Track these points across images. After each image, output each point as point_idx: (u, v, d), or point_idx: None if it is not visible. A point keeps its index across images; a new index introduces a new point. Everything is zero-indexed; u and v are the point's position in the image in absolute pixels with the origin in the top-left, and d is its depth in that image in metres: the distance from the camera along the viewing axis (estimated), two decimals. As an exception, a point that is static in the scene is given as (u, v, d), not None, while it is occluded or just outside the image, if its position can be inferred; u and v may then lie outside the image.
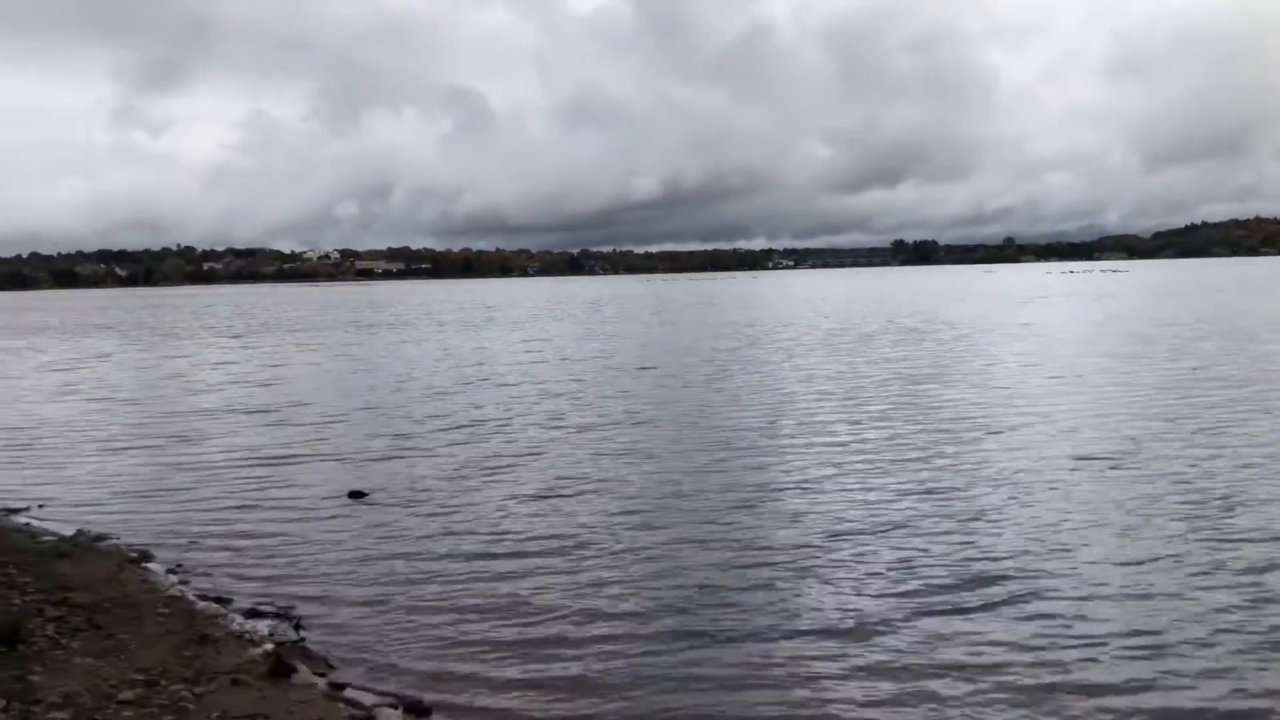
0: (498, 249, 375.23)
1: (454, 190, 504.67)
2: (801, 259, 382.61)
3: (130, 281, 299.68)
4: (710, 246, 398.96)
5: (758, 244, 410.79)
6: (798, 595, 9.06)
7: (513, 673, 7.59)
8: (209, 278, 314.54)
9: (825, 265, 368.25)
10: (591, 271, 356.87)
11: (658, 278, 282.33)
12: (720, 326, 49.85)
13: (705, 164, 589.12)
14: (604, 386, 25.09)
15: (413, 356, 36.33)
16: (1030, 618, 8.35)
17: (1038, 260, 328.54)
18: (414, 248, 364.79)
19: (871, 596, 8.97)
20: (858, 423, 18.35)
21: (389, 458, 16.13)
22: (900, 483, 13.29)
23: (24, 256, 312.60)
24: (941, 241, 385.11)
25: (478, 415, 20.49)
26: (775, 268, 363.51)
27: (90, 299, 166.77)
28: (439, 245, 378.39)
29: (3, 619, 7.64)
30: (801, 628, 8.29)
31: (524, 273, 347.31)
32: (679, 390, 23.95)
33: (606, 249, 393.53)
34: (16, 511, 12.84)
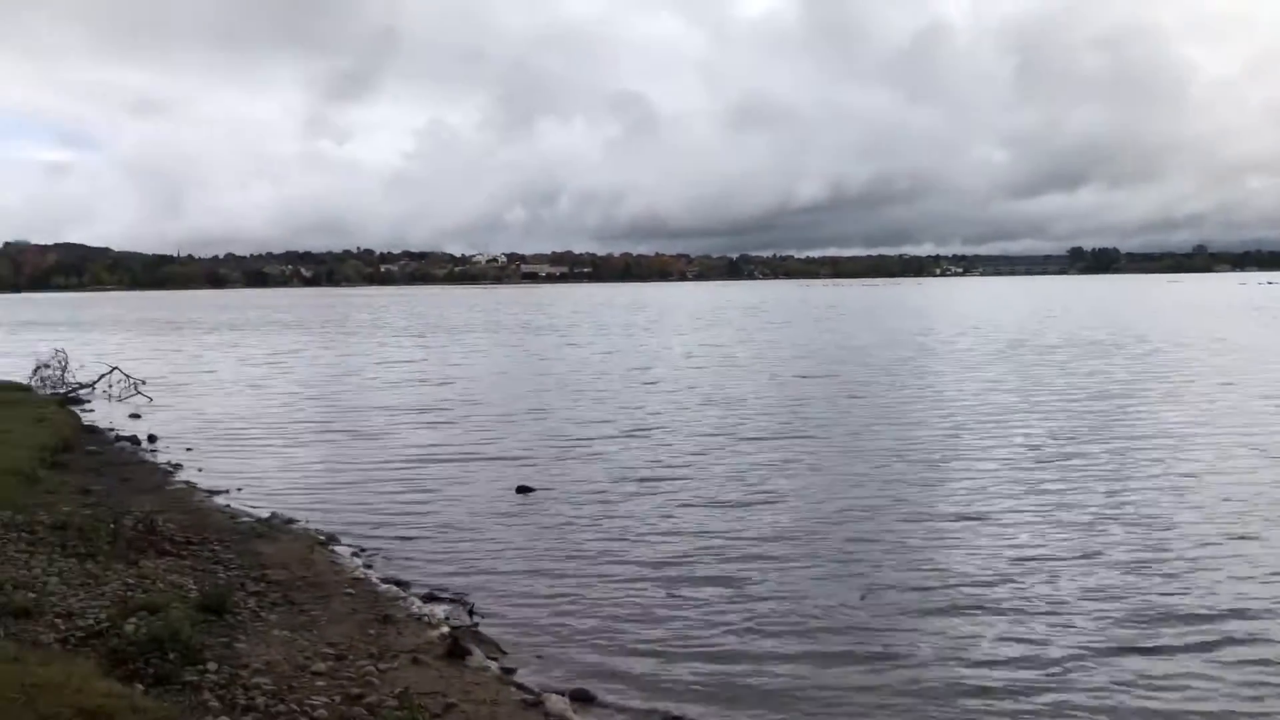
0: (657, 253, 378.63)
1: (617, 194, 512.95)
2: (971, 266, 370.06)
3: (314, 282, 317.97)
4: (874, 252, 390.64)
5: (925, 250, 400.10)
6: (974, 623, 8.60)
7: (671, 672, 7.69)
8: (385, 279, 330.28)
9: (996, 273, 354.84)
10: (751, 276, 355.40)
11: (818, 283, 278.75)
12: (888, 334, 48.82)
13: (873, 167, 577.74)
14: (768, 394, 24.92)
15: (577, 359, 37.13)
16: (1245, 662, 7.63)
17: (1232, 270, 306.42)
18: (576, 251, 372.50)
19: (1058, 628, 8.41)
20: (1041, 440, 17.42)
21: (555, 456, 16.58)
22: (1088, 506, 12.49)
23: (220, 257, 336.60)
24: (1124, 249, 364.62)
25: (642, 419, 20.74)
26: (943, 274, 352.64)
27: (278, 298, 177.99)
28: (600, 249, 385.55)
29: (213, 591, 8.32)
30: (979, 657, 7.87)
31: (682, 277, 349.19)
32: (846, 400, 23.54)
33: (766, 254, 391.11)
34: (218, 494, 13.88)
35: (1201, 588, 9.32)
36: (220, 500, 13.42)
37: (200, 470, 15.57)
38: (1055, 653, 7.90)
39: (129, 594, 8.32)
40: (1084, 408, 21.28)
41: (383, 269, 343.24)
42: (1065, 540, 11.01)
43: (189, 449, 17.56)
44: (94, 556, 9.41)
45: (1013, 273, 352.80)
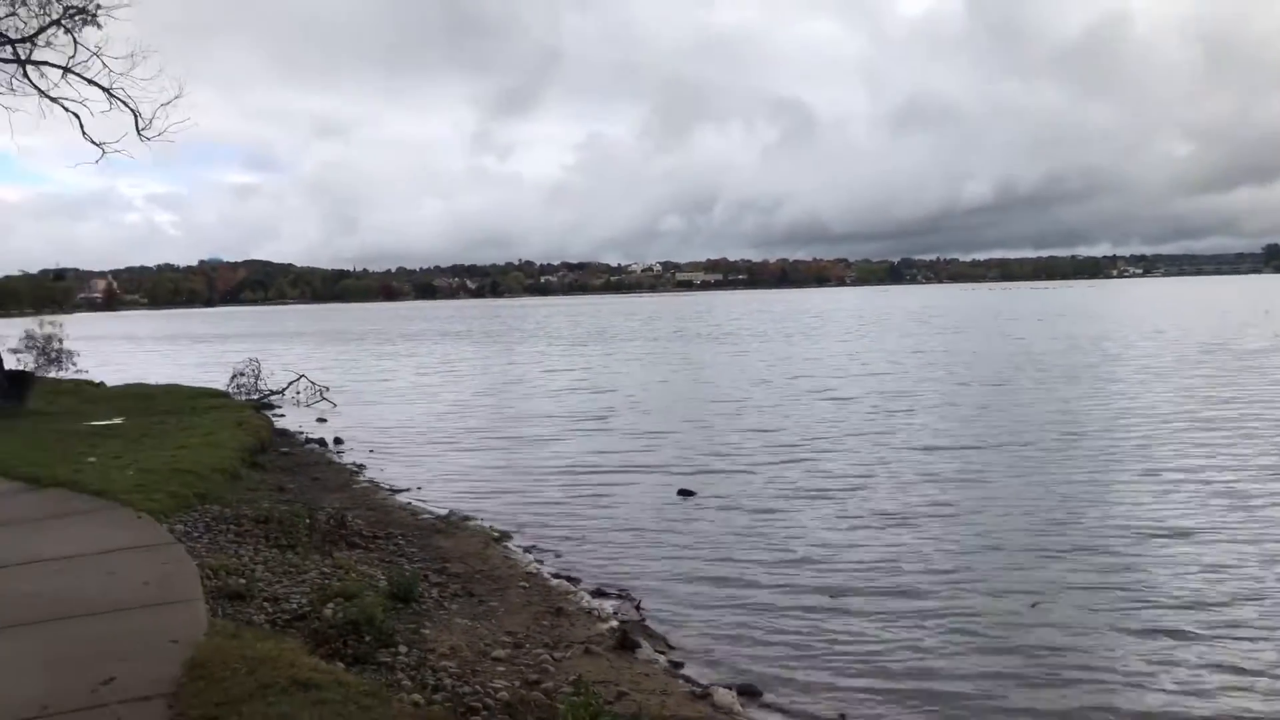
0: (814, 258, 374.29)
1: (774, 201, 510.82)
2: (1151, 266, 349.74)
3: (479, 293, 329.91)
4: (1045, 254, 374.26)
5: (1100, 250, 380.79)
6: (1172, 645, 8.12)
7: (835, 675, 7.73)
8: (544, 290, 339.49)
9: (1180, 273, 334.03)
10: (913, 280, 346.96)
11: (984, 286, 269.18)
12: (1066, 338, 46.71)
13: (1043, 166, 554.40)
14: (941, 403, 23.99)
15: (739, 366, 37.21)
16: None
17: None
18: (731, 258, 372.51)
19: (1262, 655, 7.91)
20: (1243, 453, 16.01)
21: (717, 462, 16.76)
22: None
23: (392, 271, 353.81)
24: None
25: (806, 426, 20.63)
26: (1120, 275, 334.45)
27: (446, 309, 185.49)
28: (756, 256, 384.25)
29: (400, 581, 8.91)
30: (1175, 684, 7.44)
31: (841, 282, 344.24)
32: (1023, 408, 22.50)
33: (929, 257, 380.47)
34: (399, 492, 14.75)
35: None
36: (401, 498, 14.25)
37: (382, 471, 16.56)
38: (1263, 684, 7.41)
39: (326, 582, 9.00)
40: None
41: (542, 280, 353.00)
42: (1270, 560, 10.34)
43: (371, 451, 18.68)
44: (293, 548, 10.21)
45: (1199, 273, 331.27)
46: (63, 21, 17.54)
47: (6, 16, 17.65)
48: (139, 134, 19.13)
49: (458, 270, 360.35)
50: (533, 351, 50.13)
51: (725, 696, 7.09)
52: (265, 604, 8.30)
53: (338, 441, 19.79)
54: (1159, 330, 50.48)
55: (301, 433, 20.95)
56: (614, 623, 8.63)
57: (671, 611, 9.19)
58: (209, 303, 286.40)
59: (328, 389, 28.42)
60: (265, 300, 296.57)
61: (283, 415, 24.27)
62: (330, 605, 8.14)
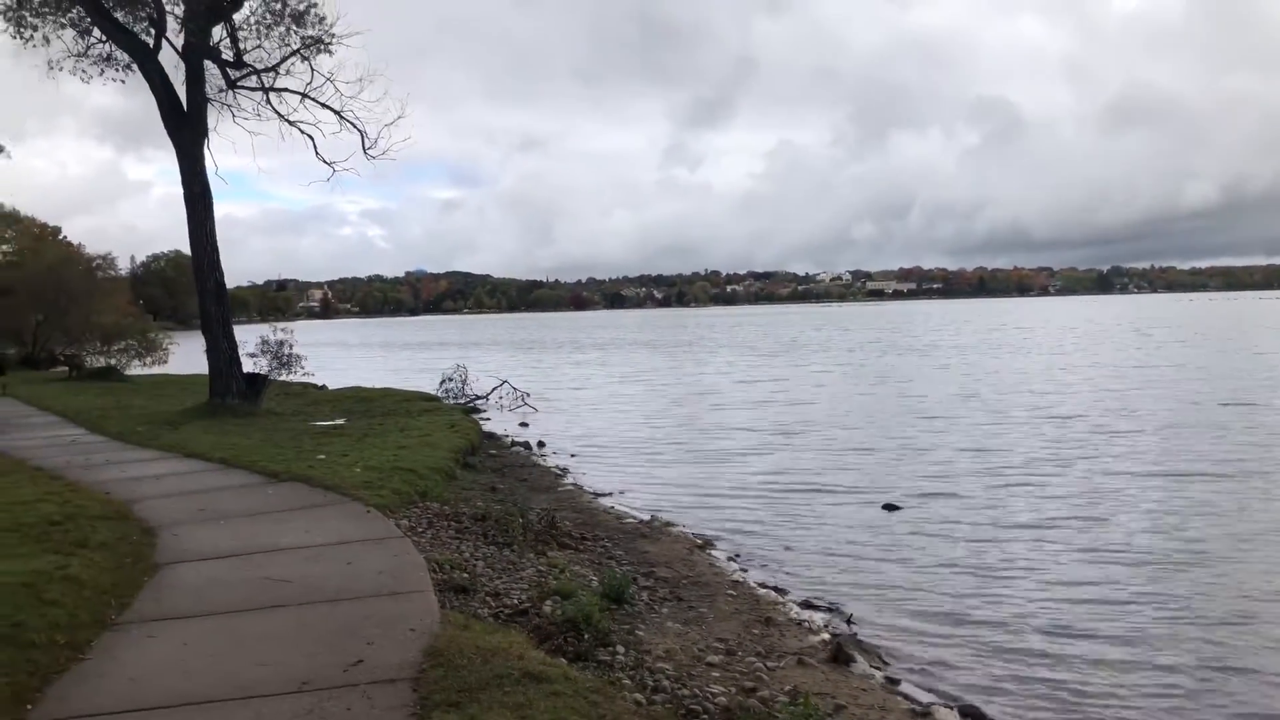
0: (1015, 266, 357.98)
1: (973, 206, 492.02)
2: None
3: (665, 303, 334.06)
4: (1277, 260, 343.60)
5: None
6: None
7: (1058, 702, 7.36)
8: (730, 299, 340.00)
9: None
10: (1123, 290, 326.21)
11: (1203, 296, 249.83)
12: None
13: (1277, 164, 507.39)
14: (1178, 424, 21.69)
15: (942, 379, 36.02)
16: None
17: None
18: (925, 267, 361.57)
19: None
20: None
21: (924, 479, 16.19)
22: None
23: (583, 281, 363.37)
24: None
25: (1020, 444, 19.56)
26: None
27: (634, 318, 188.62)
28: (952, 264, 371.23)
29: (614, 581, 9.12)
30: None
31: (1044, 291, 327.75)
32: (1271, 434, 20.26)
33: (1142, 265, 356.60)
34: (602, 496, 15.10)
35: None
36: (605, 502, 14.59)
37: (585, 475, 17.01)
38: None
39: (542, 579, 9.32)
40: None
41: (728, 289, 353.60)
42: None
43: (573, 455, 19.23)
44: (509, 545, 10.64)
45: None
46: (301, 51, 19.04)
47: (253, 49, 19.32)
48: (365, 153, 20.52)
49: (645, 280, 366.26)
50: (723, 362, 50.21)
51: (947, 716, 6.87)
52: (488, 598, 8.68)
53: (540, 445, 20.46)
54: None
55: (507, 436, 21.80)
56: (825, 635, 8.53)
57: (884, 627, 8.98)
58: (413, 311, 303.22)
59: (528, 395, 29.48)
60: (464, 309, 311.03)
61: (488, 419, 25.32)
62: (549, 602, 8.44)
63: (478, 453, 18.32)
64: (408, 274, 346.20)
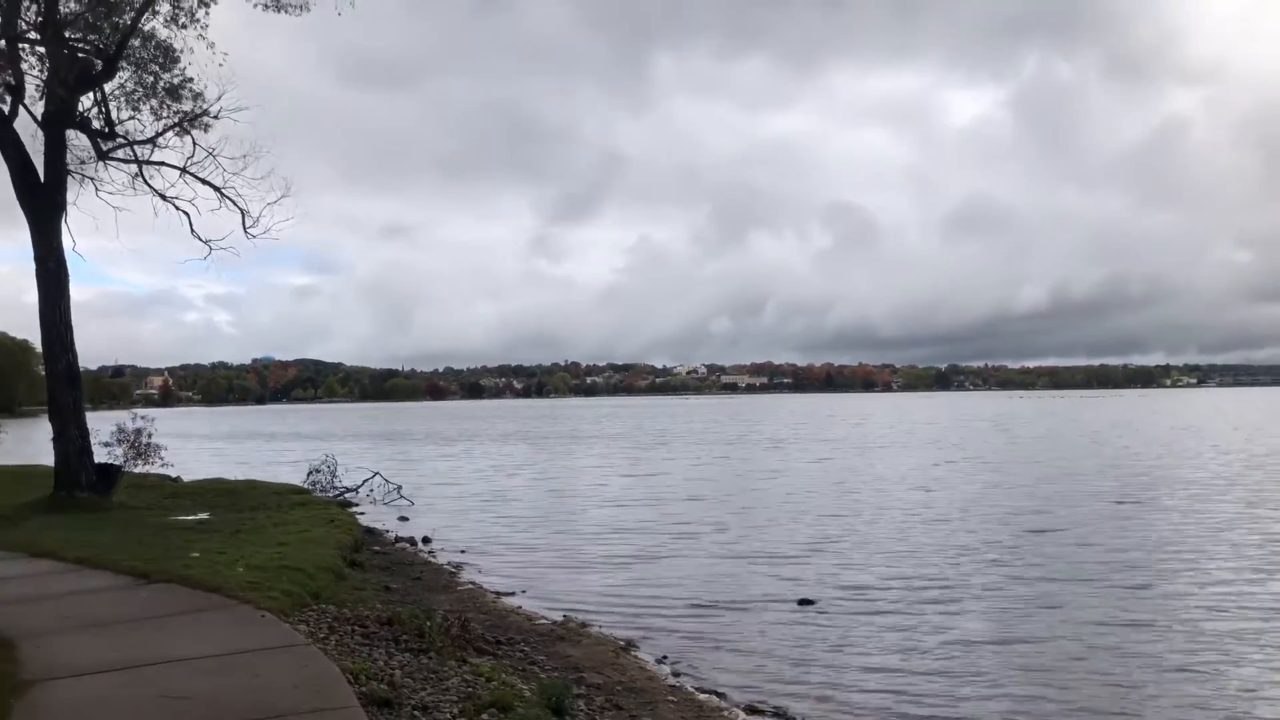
0: (860, 363, 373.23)
1: (824, 305, 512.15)
2: (1206, 376, 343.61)
3: (524, 393, 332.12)
4: (1098, 361, 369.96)
5: (1155, 359, 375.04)
6: None
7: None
8: (590, 390, 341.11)
9: (1236, 383, 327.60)
10: (961, 387, 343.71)
11: (1033, 394, 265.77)
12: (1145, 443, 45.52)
13: (1100, 272, 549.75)
14: (1071, 517, 21.88)
15: (817, 473, 36.40)
16: None
17: None
18: (777, 362, 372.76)
19: None
20: None
21: (828, 570, 16.14)
22: None
23: (440, 370, 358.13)
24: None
25: (903, 534, 19.97)
26: (1174, 385, 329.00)
27: (494, 409, 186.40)
28: (802, 360, 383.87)
29: (551, 690, 8.46)
30: None
31: (888, 388, 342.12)
32: (1111, 507, 21.75)
33: (978, 364, 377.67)
34: (505, 595, 14.32)
35: None
36: (511, 602, 13.81)
37: (480, 572, 16.17)
38: None
39: (470, 690, 8.57)
40: None
41: (588, 380, 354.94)
42: None
43: (463, 551, 18.31)
44: (425, 652, 9.80)
45: (1255, 383, 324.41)
46: (183, 124, 18.08)
47: (128, 120, 18.23)
48: (246, 232, 19.50)
49: (504, 370, 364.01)
50: (598, 454, 49.54)
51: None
52: (416, 713, 7.89)
53: (426, 541, 19.46)
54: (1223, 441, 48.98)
55: (390, 531, 20.66)
56: (783, 743, 8.09)
57: (834, 730, 8.61)
58: (260, 400, 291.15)
59: (401, 487, 28.24)
60: (315, 398, 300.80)
61: (363, 513, 24.00)
62: (486, 716, 7.73)
63: (362, 550, 17.20)
64: (255, 361, 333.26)
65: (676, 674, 10.34)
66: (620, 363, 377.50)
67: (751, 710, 9.13)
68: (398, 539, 19.56)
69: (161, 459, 23.61)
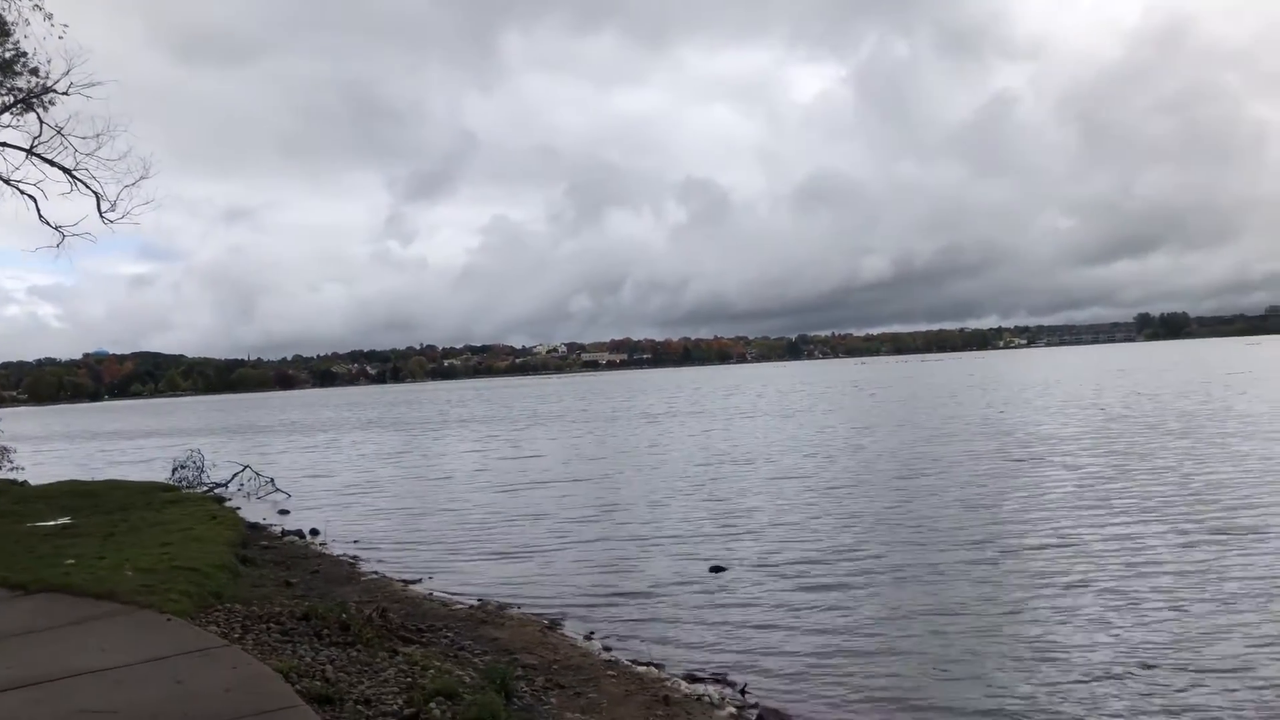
0: (716, 336, 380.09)
1: (680, 280, 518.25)
2: (1035, 337, 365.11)
3: (379, 379, 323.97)
4: (937, 326, 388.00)
5: (988, 322, 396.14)
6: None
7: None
8: (448, 373, 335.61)
9: (1061, 342, 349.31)
10: (810, 355, 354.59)
11: (878, 360, 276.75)
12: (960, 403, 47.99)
13: (939, 241, 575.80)
14: (956, 476, 23.69)
15: (701, 445, 36.75)
16: None
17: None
18: (635, 338, 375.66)
19: None
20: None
21: (730, 537, 16.42)
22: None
23: (289, 359, 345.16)
24: (1195, 313, 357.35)
25: (808, 505, 20.38)
26: (1006, 346, 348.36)
27: (348, 395, 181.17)
28: (660, 335, 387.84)
29: (494, 672, 8.29)
30: None
31: (742, 359, 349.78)
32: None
33: (825, 333, 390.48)
34: (413, 583, 13.96)
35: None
36: (420, 589, 13.49)
37: (381, 562, 15.72)
38: None
39: (410, 680, 8.33)
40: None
41: (446, 363, 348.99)
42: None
43: (355, 542, 17.76)
44: (353, 645, 9.46)
45: (1077, 342, 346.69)
46: (29, 100, 16.67)
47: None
48: (101, 217, 18.18)
49: (357, 356, 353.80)
50: (472, 438, 48.50)
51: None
52: (359, 707, 7.61)
53: (315, 533, 18.78)
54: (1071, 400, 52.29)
55: (275, 526, 19.82)
56: (731, 709, 8.20)
57: (775, 693, 8.76)
58: (95, 396, 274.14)
59: (275, 480, 27.16)
60: (156, 393, 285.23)
61: (238, 508, 22.94)
62: (435, 705, 7.52)
63: (250, 545, 16.47)
64: (87, 356, 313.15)
65: (608, 649, 10.32)
66: (478, 344, 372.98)
67: (692, 679, 9.18)
68: (285, 532, 18.79)
69: (10, 462, 21.95)
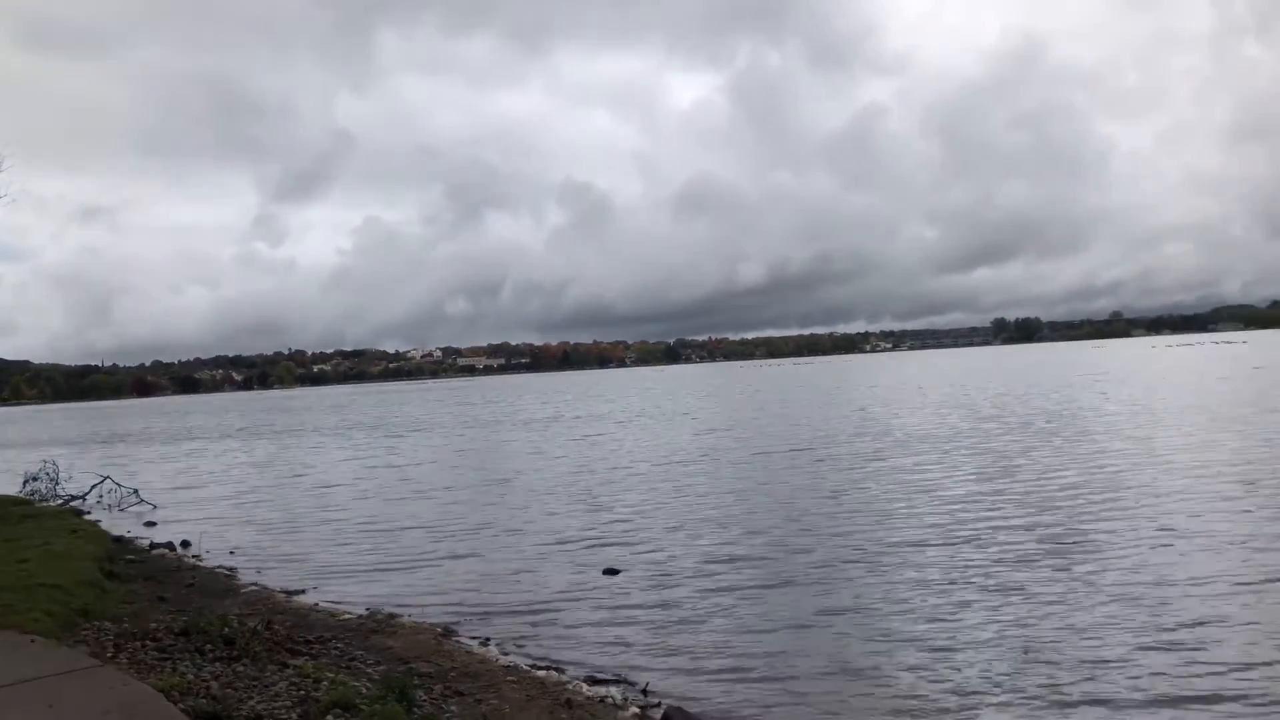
0: (595, 341, 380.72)
1: (560, 284, 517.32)
2: (899, 340, 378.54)
3: (245, 385, 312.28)
4: (808, 331, 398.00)
5: (857, 326, 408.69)
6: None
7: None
8: (319, 379, 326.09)
9: (924, 346, 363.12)
10: (688, 359, 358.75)
11: (753, 363, 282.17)
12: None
13: (812, 249, 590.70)
14: (841, 478, 24.61)
15: (586, 451, 36.70)
16: None
17: (1148, 334, 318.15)
18: (514, 343, 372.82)
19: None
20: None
21: (621, 542, 16.39)
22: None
23: (148, 364, 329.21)
24: (1048, 318, 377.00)
25: (696, 507, 20.63)
26: (873, 350, 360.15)
27: (212, 403, 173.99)
28: (539, 339, 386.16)
29: (394, 682, 8.07)
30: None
31: (622, 363, 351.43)
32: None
33: (702, 337, 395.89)
34: (295, 594, 13.48)
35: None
36: (305, 600, 13.03)
37: (261, 573, 15.11)
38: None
39: (302, 693, 8.03)
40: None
41: (316, 369, 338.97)
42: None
43: (232, 553, 17.03)
44: (239, 659, 9.07)
45: (939, 345, 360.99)
46: None
47: None
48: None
49: (221, 361, 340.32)
50: (349, 446, 46.94)
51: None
52: (251, 724, 7.29)
53: (186, 545, 17.90)
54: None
55: (139, 539, 18.82)
56: (635, 709, 8.19)
57: (681, 692, 8.79)
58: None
59: (139, 491, 25.84)
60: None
61: (99, 521, 21.72)
62: (331, 717, 7.28)
63: (116, 560, 15.60)
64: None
65: (506, 654, 10.17)
66: (350, 349, 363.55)
67: (593, 681, 9.13)
68: (154, 545, 17.86)
69: None
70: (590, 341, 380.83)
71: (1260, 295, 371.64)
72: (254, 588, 13.91)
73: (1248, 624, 9.63)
